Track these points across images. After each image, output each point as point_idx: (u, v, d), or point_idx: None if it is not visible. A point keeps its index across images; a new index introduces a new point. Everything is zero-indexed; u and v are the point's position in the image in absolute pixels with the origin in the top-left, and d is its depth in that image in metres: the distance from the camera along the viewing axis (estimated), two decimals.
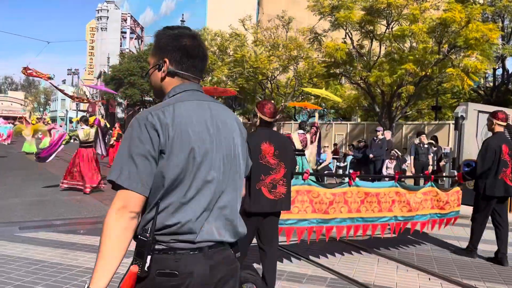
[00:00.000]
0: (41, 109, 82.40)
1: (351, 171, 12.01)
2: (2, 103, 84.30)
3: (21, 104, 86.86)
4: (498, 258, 5.46)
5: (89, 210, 7.78)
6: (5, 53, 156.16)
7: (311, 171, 8.83)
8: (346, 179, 5.36)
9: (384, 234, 5.48)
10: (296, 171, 6.12)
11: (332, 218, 4.99)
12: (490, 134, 10.94)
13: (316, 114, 11.13)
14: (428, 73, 13.47)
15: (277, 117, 4.29)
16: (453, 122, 11.59)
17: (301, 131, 9.22)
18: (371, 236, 5.86)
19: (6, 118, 65.74)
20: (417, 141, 11.05)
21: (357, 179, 5.14)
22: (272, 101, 4.63)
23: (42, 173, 12.55)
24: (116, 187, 1.59)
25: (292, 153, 4.23)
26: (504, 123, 5.75)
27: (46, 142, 22.64)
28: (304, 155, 9.22)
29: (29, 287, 3.91)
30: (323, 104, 26.14)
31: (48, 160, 10.14)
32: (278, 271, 4.40)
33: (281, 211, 4.05)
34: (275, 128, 9.91)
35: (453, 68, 12.81)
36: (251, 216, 3.75)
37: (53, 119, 58.56)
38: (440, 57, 13.38)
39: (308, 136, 9.14)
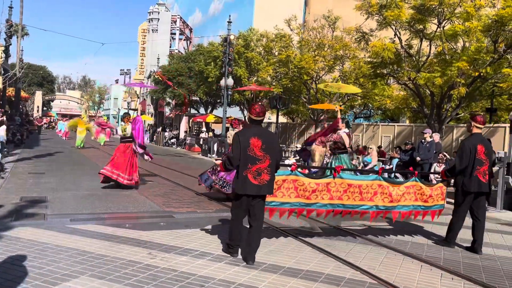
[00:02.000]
0: (96, 108, 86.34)
1: (397, 174, 11.73)
2: (60, 102, 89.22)
3: (78, 103, 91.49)
4: (474, 248, 6.06)
5: (135, 206, 8.08)
6: (64, 54, 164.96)
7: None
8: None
9: (371, 221, 6.28)
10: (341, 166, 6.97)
11: (314, 203, 5.73)
12: None
13: (338, 112, 10.47)
14: (482, 73, 12.81)
15: (265, 116, 4.74)
16: (509, 125, 10.96)
17: (347, 129, 9.40)
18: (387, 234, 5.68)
19: (64, 115, 69.55)
20: None
21: (341, 172, 5.89)
22: (260, 103, 5.17)
23: (95, 168, 13.15)
24: None
25: (278, 148, 5.24)
26: (482, 126, 6.31)
27: (102, 138, 24.19)
28: (346, 152, 9.43)
29: (75, 276, 4.13)
30: (370, 105, 25.57)
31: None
32: (315, 273, 4.68)
33: (266, 195, 5.02)
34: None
35: (510, 69, 12.10)
36: (241, 197, 4.87)
37: (107, 117, 61.21)
38: (495, 56, 12.69)
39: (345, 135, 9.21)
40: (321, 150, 9.91)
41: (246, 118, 5.29)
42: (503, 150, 12.19)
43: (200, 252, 5.19)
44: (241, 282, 4.24)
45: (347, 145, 9.37)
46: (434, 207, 6.65)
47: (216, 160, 5.03)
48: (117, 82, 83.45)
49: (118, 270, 4.36)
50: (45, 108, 75.14)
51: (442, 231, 6.94)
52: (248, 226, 5.07)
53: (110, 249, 5.05)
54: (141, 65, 65.20)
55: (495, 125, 16.42)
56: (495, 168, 10.89)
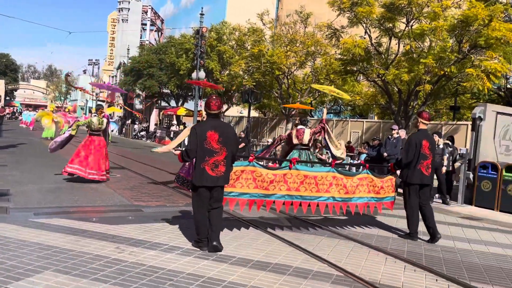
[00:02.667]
0: (62, 98, 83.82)
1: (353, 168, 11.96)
2: (24, 91, 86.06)
3: (43, 93, 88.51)
4: (432, 236, 6.39)
5: (103, 199, 7.93)
6: (29, 42, 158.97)
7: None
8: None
9: (323, 213, 6.74)
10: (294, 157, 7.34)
11: (272, 194, 5.96)
12: (508, 135, 10.79)
13: (324, 110, 10.92)
14: (447, 72, 13.23)
15: (222, 110, 4.98)
16: (471, 123, 11.39)
17: (301, 127, 9.45)
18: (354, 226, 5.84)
19: (28, 106, 67.08)
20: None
21: (297, 163, 6.17)
22: (215, 96, 5.39)
23: (60, 160, 12.80)
24: None
25: (235, 140, 5.34)
26: (427, 122, 6.67)
27: (51, 131, 23.52)
28: (308, 149, 9.48)
29: (39, 271, 4.02)
30: (340, 101, 25.95)
31: (55, 150, 10.30)
32: (284, 266, 4.75)
33: (224, 185, 5.25)
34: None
35: (473, 69, 12.55)
36: (199, 189, 5.05)
37: (99, 106, 59.72)
38: (460, 56, 13.13)
39: (307, 131, 9.20)
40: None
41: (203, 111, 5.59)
42: (465, 147, 12.66)
43: (169, 246, 5.16)
44: (210, 275, 4.26)
45: (295, 141, 9.23)
46: (386, 198, 6.96)
47: (175, 151, 5.11)
48: (85, 73, 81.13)
49: (84, 265, 4.29)
50: (8, 98, 72.26)
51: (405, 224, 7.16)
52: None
53: (76, 244, 4.95)
54: (111, 56, 63.66)
55: (458, 122, 17.03)
56: (457, 164, 11.32)
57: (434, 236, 6.40)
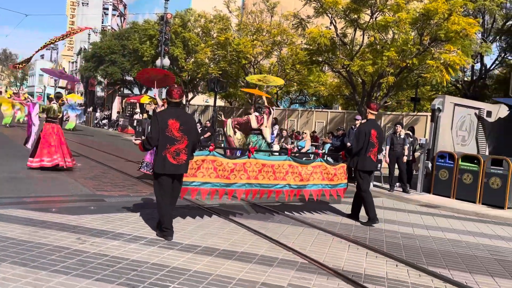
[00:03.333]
0: (18, 84, 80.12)
1: (328, 159, 12.21)
2: None
3: None
4: (370, 218, 6.78)
5: (63, 189, 7.67)
6: None
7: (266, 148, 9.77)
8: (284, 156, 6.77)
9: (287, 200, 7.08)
10: (253, 146, 8.54)
11: (233, 183, 6.15)
12: (464, 126, 11.19)
13: (264, 99, 11.43)
14: (408, 64, 13.59)
15: (183, 99, 5.33)
16: (430, 114, 11.78)
17: (257, 113, 10.15)
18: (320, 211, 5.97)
19: None
20: (393, 131, 11.22)
21: (255, 152, 6.43)
22: (178, 86, 5.65)
23: (18, 150, 12.27)
24: None
25: (196, 129, 5.45)
26: (375, 112, 7.04)
27: (8, 119, 22.62)
28: (260, 133, 10.23)
29: None
30: (305, 92, 26.19)
31: (31, 141, 10.20)
32: (250, 254, 4.79)
33: (185, 174, 5.39)
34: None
35: (433, 61, 12.96)
36: (160, 177, 5.11)
37: (31, 95, 57.05)
38: (421, 48, 13.51)
39: (265, 117, 9.98)
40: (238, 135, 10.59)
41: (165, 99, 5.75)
42: (424, 137, 13.11)
43: (133, 236, 5.07)
44: (175, 265, 4.21)
45: (254, 126, 10.01)
46: (339, 185, 7.29)
47: (134, 140, 5.18)
48: (42, 58, 77.76)
49: (44, 256, 4.14)
50: None
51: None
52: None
53: (34, 235, 4.77)
54: (70, 41, 61.26)
55: (418, 113, 17.58)
56: (417, 154, 11.70)
57: (373, 220, 6.82)
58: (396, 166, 10.64)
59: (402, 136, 10.62)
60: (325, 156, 9.09)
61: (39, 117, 10.55)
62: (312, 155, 8.32)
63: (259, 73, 22.71)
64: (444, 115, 10.73)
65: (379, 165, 11.55)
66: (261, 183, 6.41)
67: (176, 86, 5.44)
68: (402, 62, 13.52)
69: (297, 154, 7.38)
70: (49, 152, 9.42)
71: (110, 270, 3.94)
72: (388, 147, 10.65)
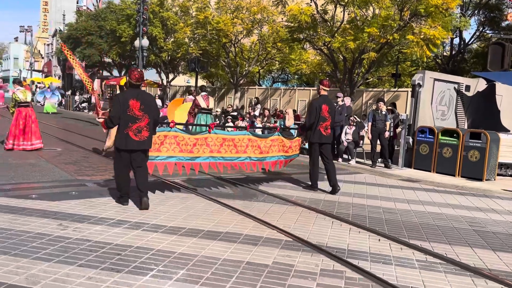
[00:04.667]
0: None
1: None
2: None
3: None
4: (333, 189, 7.29)
5: (43, 175, 7.53)
6: None
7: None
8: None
9: (248, 171, 7.64)
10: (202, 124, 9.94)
11: (197, 156, 6.53)
12: (444, 101, 11.32)
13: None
14: (389, 40, 13.60)
15: (143, 81, 6.06)
16: (411, 89, 11.87)
17: (204, 93, 11.16)
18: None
19: None
20: (375, 107, 11.28)
21: (214, 128, 6.79)
22: (137, 68, 6.17)
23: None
24: None
25: (156, 108, 5.83)
26: (327, 88, 7.54)
27: None
28: (210, 113, 11.37)
29: None
30: (287, 70, 26.06)
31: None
32: (234, 234, 4.81)
33: (150, 150, 5.83)
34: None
35: (413, 36, 12.99)
36: (121, 152, 5.55)
37: (5, 79, 55.50)
38: (401, 24, 13.51)
39: (211, 98, 11.23)
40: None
41: (126, 82, 6.11)
42: (405, 112, 13.24)
43: (116, 220, 5.03)
44: (159, 248, 4.20)
45: (204, 106, 10.98)
46: (292, 156, 7.86)
47: (98, 119, 5.67)
48: (16, 40, 75.34)
49: (25, 244, 4.08)
50: None
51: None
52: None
53: (14, 222, 4.68)
54: (45, 22, 59.38)
55: (399, 89, 17.72)
56: (398, 129, 11.83)
57: (334, 188, 7.31)
58: (378, 142, 10.74)
59: (384, 112, 10.70)
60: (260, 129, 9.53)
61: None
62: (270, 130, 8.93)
63: (240, 52, 22.48)
64: (424, 90, 10.82)
65: (361, 141, 11.68)
66: (224, 156, 6.81)
67: (136, 68, 5.83)
68: (383, 38, 13.52)
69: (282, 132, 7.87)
70: (19, 135, 9.98)
71: (93, 255, 3.91)
72: (370, 123, 10.73)
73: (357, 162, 11.19)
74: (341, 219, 5.69)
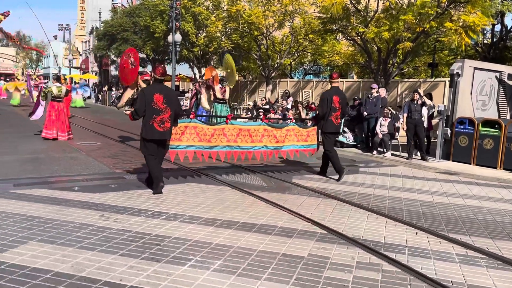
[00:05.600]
0: (33, 66, 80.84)
1: (345, 129, 12.14)
2: None
3: (13, 61, 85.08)
4: (337, 173, 7.67)
5: (83, 167, 7.82)
6: None
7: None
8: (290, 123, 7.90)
9: (265, 160, 8.33)
10: (217, 114, 11.49)
11: (215, 145, 7.02)
12: (484, 90, 10.94)
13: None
14: (426, 28, 13.18)
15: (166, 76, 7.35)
16: (449, 79, 11.50)
17: (221, 85, 12.29)
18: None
19: None
20: (410, 98, 11.00)
21: (232, 119, 7.25)
22: (161, 64, 6.67)
23: (35, 130, 12.50)
24: None
25: (177, 101, 6.42)
26: (336, 81, 7.98)
27: (16, 99, 24.00)
28: (224, 103, 12.33)
29: (24, 242, 3.99)
30: (319, 62, 25.77)
31: (38, 116, 12.44)
32: (269, 226, 4.85)
33: (172, 139, 6.43)
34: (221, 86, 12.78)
35: (452, 23, 12.52)
36: (148, 142, 6.09)
37: (46, 76, 57.63)
38: (439, 10, 13.05)
39: (227, 89, 12.42)
40: (205, 95, 12.74)
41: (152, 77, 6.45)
42: (443, 103, 12.84)
43: (154, 212, 5.17)
44: (196, 239, 4.30)
45: (218, 96, 12.17)
46: (311, 146, 8.11)
47: (125, 111, 6.33)
48: (55, 38, 77.99)
49: (70, 233, 4.27)
50: None
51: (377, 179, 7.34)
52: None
53: (59, 213, 4.90)
54: (82, 20, 61.18)
55: (436, 79, 17.18)
56: (435, 121, 11.51)
57: (340, 176, 7.66)
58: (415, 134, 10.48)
59: (419, 103, 10.42)
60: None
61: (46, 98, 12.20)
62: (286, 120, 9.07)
63: (271, 45, 22.41)
64: (463, 80, 10.46)
65: (396, 133, 11.44)
66: (240, 145, 7.25)
67: (159, 64, 6.34)
68: (419, 27, 13.11)
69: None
70: (50, 126, 11.23)
71: (134, 245, 4.04)
72: (405, 114, 10.48)
73: (392, 154, 10.97)
74: (376, 212, 5.62)
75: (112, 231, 4.39)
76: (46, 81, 22.82)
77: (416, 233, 4.85)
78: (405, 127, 10.50)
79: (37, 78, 21.79)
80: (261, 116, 9.67)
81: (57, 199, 5.50)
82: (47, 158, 8.56)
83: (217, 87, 12.09)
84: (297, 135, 7.85)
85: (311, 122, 8.44)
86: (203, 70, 28.42)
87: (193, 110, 12.85)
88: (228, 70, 13.10)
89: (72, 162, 8.33)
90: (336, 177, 7.73)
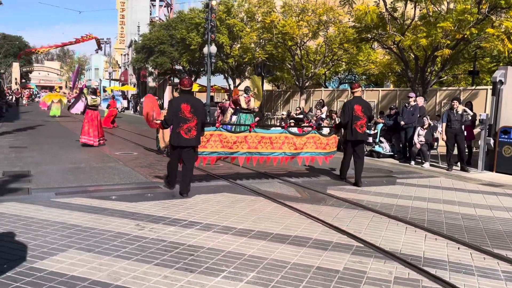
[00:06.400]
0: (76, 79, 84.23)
1: (381, 139, 11.87)
2: (39, 73, 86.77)
3: (57, 74, 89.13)
4: (356, 182, 7.93)
5: (121, 177, 8.01)
6: (41, 24, 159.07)
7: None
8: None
9: (280, 165, 8.64)
10: (242, 122, 11.88)
11: (236, 151, 7.41)
12: None
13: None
14: (466, 35, 12.76)
15: (192, 87, 8.14)
16: (491, 87, 11.05)
17: (246, 94, 12.89)
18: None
19: (44, 87, 67.71)
20: (449, 107, 10.61)
21: (255, 127, 7.67)
22: (187, 76, 6.58)
23: (74, 140, 12.97)
24: None
25: (203, 111, 6.92)
26: (357, 90, 8.23)
27: (55, 110, 25.44)
28: (249, 112, 12.92)
29: (63, 250, 4.10)
30: (354, 71, 25.46)
31: (78, 109, 14.31)
32: (303, 238, 4.77)
33: (196, 146, 6.77)
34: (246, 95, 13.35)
35: (493, 29, 12.06)
36: (175, 148, 6.59)
37: (88, 87, 59.81)
38: (480, 17, 12.62)
39: (252, 99, 12.75)
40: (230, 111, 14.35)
41: (178, 89, 7.22)
42: (485, 112, 12.35)
43: (188, 221, 5.20)
44: (230, 250, 4.28)
45: (244, 106, 12.81)
46: (330, 153, 8.40)
47: (156, 121, 6.80)
48: (97, 52, 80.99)
49: (107, 242, 4.36)
50: (23, 80, 73.01)
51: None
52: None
53: (97, 222, 5.03)
54: (121, 34, 63.35)
55: (477, 87, 16.57)
56: (476, 130, 11.07)
57: (357, 184, 7.88)
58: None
59: (459, 112, 10.06)
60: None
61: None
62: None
63: (305, 55, 22.36)
64: (507, 88, 10.03)
65: (435, 143, 11.08)
66: (260, 151, 7.61)
67: (185, 77, 6.90)
68: (459, 33, 12.72)
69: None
70: (87, 132, 12.37)
71: (168, 255, 4.07)
72: (444, 124, 10.13)
73: (431, 165, 10.62)
74: (415, 225, 5.42)
75: (147, 241, 4.45)
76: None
77: (458, 248, 4.63)
78: (444, 137, 10.14)
79: (76, 91, 23.33)
80: (286, 124, 9.91)
81: (96, 208, 5.64)
82: (87, 168, 8.84)
83: (242, 97, 13.06)
84: (316, 142, 8.12)
85: (329, 130, 8.73)
86: (237, 81, 28.77)
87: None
88: (255, 90, 13.75)
89: (110, 171, 8.55)
90: (367, 188, 7.72)
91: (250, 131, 7.50)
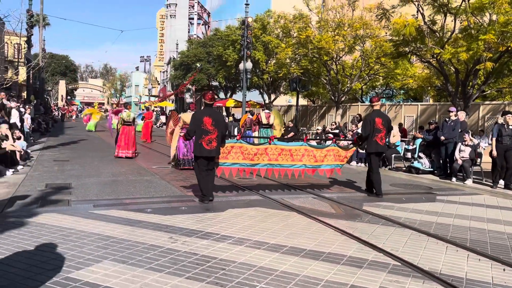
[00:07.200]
0: (117, 95, 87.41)
1: (420, 154, 11.53)
2: (83, 90, 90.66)
3: (100, 91, 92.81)
4: (376, 193, 8.11)
5: (157, 190, 8.14)
6: (85, 43, 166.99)
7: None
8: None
9: (303, 177, 8.86)
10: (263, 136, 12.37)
11: (257, 163, 7.66)
12: None
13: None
14: (510, 47, 12.28)
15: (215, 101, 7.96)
16: None
17: (267, 111, 14.29)
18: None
19: (87, 104, 70.58)
20: (501, 121, 10.09)
21: (275, 140, 7.93)
22: (210, 91, 7.05)
23: (112, 154, 13.35)
24: None
25: (224, 124, 7.30)
26: (377, 103, 8.38)
27: (91, 125, 26.65)
28: (269, 127, 13.97)
29: (98, 260, 4.18)
30: (392, 85, 24.98)
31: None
32: (337, 255, 4.65)
33: (218, 157, 7.18)
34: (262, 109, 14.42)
35: None
36: (198, 158, 7.03)
37: (127, 104, 61.86)
38: None
39: (272, 115, 14.13)
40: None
41: (203, 102, 7.59)
42: None
43: (221, 235, 5.19)
44: (261, 265, 4.22)
45: (265, 122, 13.83)
46: (343, 165, 8.61)
47: (180, 133, 7.36)
48: (137, 69, 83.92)
49: (140, 254, 4.40)
50: (69, 97, 76.44)
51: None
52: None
53: (132, 234, 5.10)
54: (161, 51, 65.39)
55: None
56: None
57: (378, 195, 8.05)
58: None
59: (511, 127, 9.53)
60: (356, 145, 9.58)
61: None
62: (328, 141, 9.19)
63: (341, 70, 22.21)
64: None
65: (479, 159, 10.61)
66: (281, 163, 7.77)
67: (208, 91, 7.60)
68: (502, 46, 12.25)
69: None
70: (122, 146, 13.10)
71: (199, 268, 4.06)
72: (494, 138, 9.63)
73: (474, 181, 10.16)
74: (457, 244, 5.16)
75: (180, 253, 4.46)
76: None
77: (504, 270, 4.36)
78: (495, 153, 9.60)
79: (116, 107, 24.76)
80: (306, 137, 10.42)
81: (131, 220, 5.74)
82: (125, 181, 9.05)
83: (263, 113, 13.88)
84: (335, 155, 8.25)
85: (349, 142, 8.88)
86: (272, 96, 28.89)
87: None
88: (277, 121, 14.88)
89: (147, 184, 8.72)
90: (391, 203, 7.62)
91: (270, 143, 7.69)
